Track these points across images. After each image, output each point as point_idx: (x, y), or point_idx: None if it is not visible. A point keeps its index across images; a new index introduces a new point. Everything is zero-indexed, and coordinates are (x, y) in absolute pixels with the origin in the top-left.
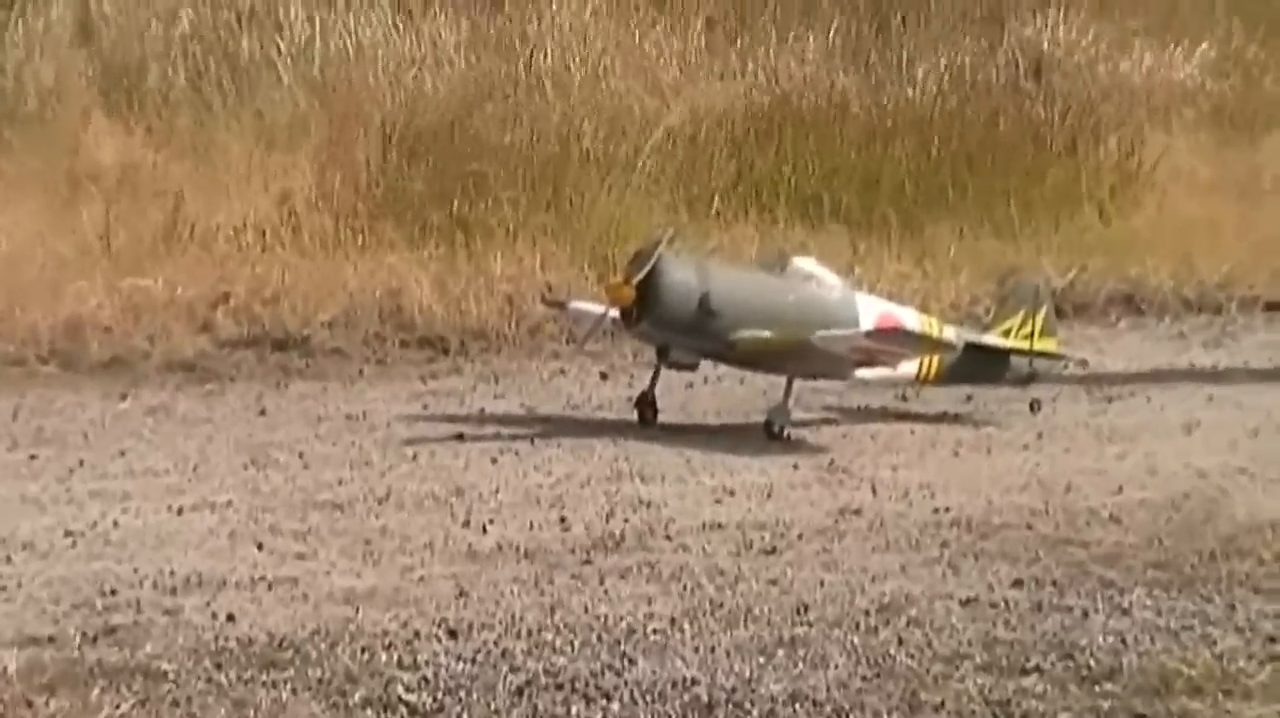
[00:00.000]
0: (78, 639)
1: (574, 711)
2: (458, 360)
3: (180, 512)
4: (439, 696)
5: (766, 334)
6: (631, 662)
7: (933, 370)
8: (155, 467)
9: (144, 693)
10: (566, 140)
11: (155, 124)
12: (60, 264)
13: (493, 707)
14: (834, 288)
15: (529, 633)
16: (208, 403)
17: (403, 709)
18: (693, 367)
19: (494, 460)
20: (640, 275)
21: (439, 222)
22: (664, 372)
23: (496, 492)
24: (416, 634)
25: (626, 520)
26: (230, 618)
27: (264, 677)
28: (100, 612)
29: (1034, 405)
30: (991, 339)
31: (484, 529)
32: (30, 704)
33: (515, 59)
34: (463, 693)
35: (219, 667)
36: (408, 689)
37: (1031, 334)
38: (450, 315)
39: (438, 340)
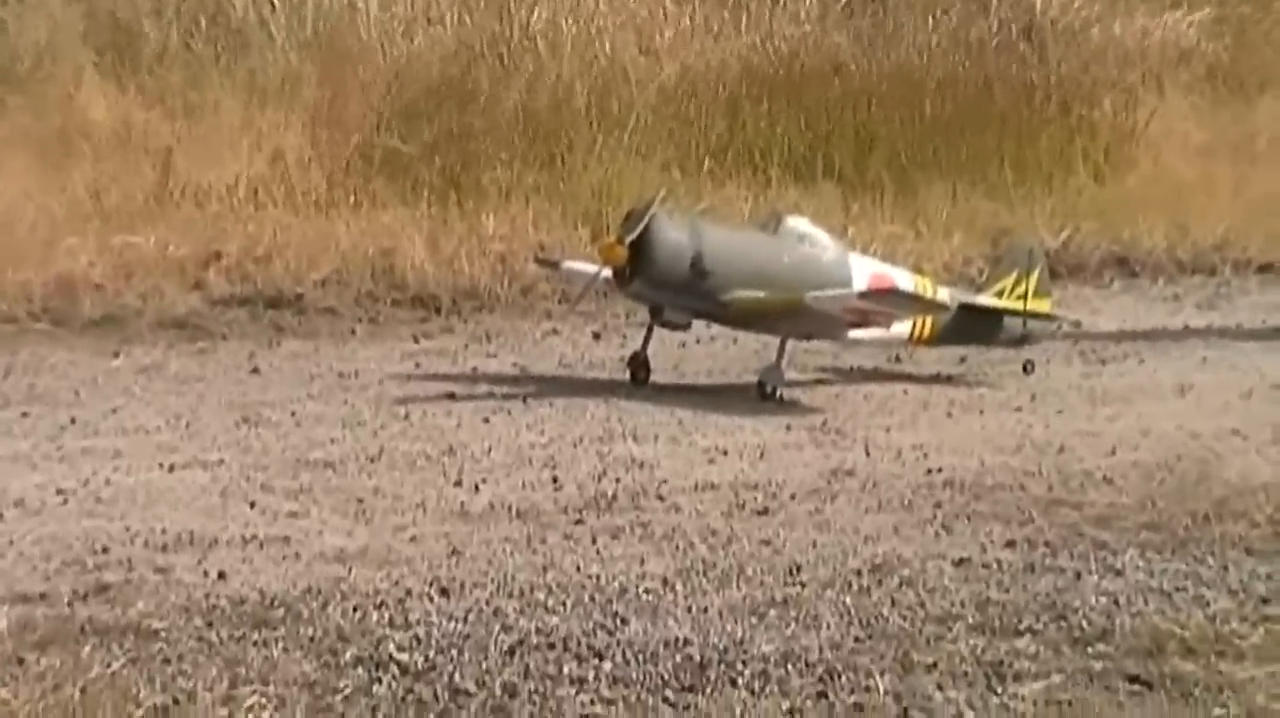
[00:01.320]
0: (69, 597)
1: (566, 670)
2: (450, 320)
3: (172, 470)
4: (430, 654)
5: (760, 294)
6: (624, 621)
7: (926, 331)
8: (147, 425)
9: (135, 651)
10: (559, 99)
11: (147, 82)
12: (52, 222)
13: (484, 666)
14: (828, 248)
15: (521, 592)
16: (199, 361)
17: (394, 668)
18: (685, 326)
19: (486, 420)
20: (633, 235)
21: (432, 180)
22: (657, 332)
23: (489, 451)
24: (408, 593)
25: (619, 480)
26: (222, 576)
27: (255, 635)
28: (91, 570)
29: (1027, 367)
30: (985, 300)
31: (476, 489)
32: (21, 662)
33: (508, 18)
34: (454, 652)
35: (210, 625)
36: (399, 648)
37: (1025, 295)
38: (443, 274)
39: (430, 299)
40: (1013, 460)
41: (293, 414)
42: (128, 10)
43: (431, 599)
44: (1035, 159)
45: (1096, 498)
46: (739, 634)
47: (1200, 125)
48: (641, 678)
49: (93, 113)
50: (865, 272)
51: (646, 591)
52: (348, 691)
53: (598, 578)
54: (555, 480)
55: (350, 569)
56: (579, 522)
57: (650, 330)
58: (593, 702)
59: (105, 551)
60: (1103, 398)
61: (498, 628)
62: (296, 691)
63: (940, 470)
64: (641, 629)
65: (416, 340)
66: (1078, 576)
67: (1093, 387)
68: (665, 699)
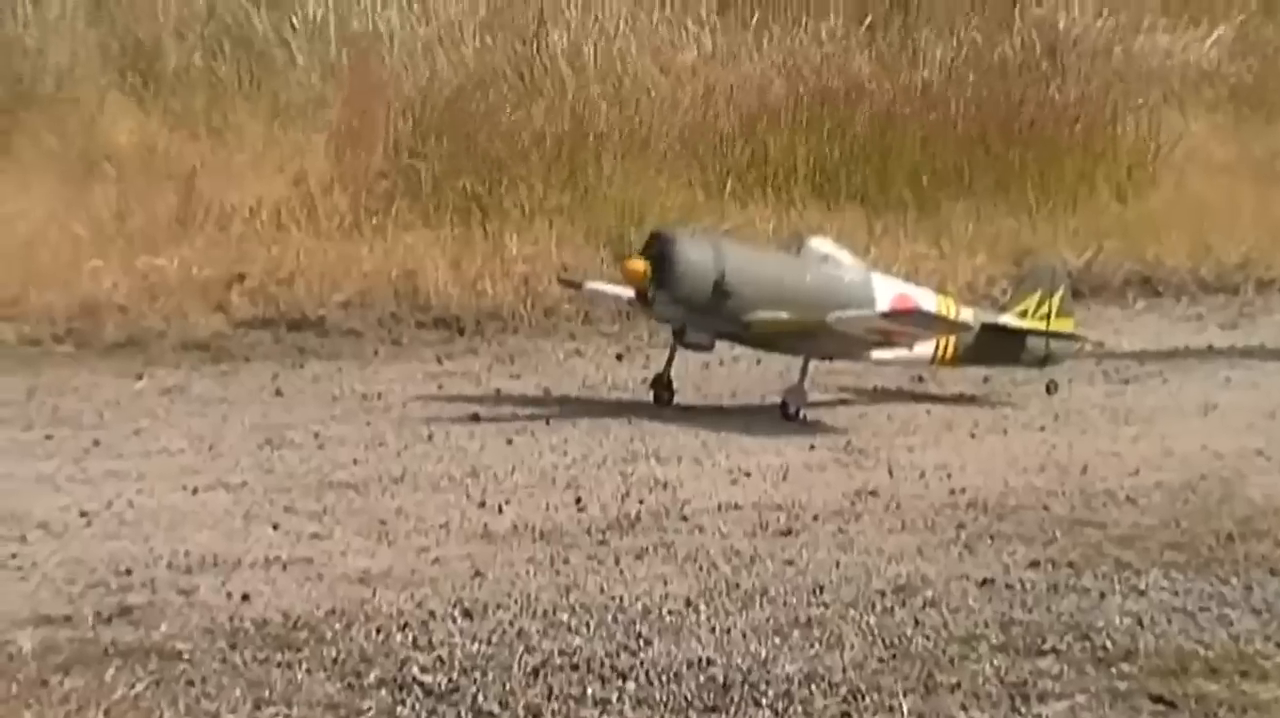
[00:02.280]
0: (93, 619)
1: (590, 691)
2: (473, 341)
3: (195, 492)
4: (454, 676)
5: (783, 315)
6: (647, 642)
7: (949, 352)
8: (170, 447)
9: (159, 673)
10: (582, 121)
11: (171, 104)
12: (75, 244)
13: (508, 687)
14: (850, 268)
15: (544, 613)
16: (223, 383)
17: (417, 690)
18: (709, 347)
19: (509, 441)
20: (656, 256)
21: (455, 202)
22: (680, 352)
23: (512, 472)
24: (432, 615)
25: (642, 501)
26: (245, 598)
27: (279, 657)
28: (115, 592)
29: (1050, 387)
30: (1008, 320)
31: (499, 510)
32: (45, 684)
33: (530, 40)
34: (478, 674)
35: (234, 647)
36: (423, 670)
37: (1048, 315)
38: (466, 296)
39: (453, 321)
40: (1036, 480)
41: (315, 436)
42: (150, 32)
43: (455, 621)
44: (1058, 178)
45: (1120, 518)
46: (762, 655)
47: (1223, 145)
48: (665, 699)
49: (116, 135)
50: (888, 292)
51: (670, 611)
52: (371, 713)
53: (621, 599)
54: (579, 501)
55: (374, 591)
56: (602, 543)
57: (673, 351)
58: None
59: (129, 573)
60: (1126, 418)
61: (521, 649)
62: (320, 712)
63: (964, 491)
64: (665, 650)
65: (440, 362)
66: (1101, 596)
67: (1116, 406)
68: None
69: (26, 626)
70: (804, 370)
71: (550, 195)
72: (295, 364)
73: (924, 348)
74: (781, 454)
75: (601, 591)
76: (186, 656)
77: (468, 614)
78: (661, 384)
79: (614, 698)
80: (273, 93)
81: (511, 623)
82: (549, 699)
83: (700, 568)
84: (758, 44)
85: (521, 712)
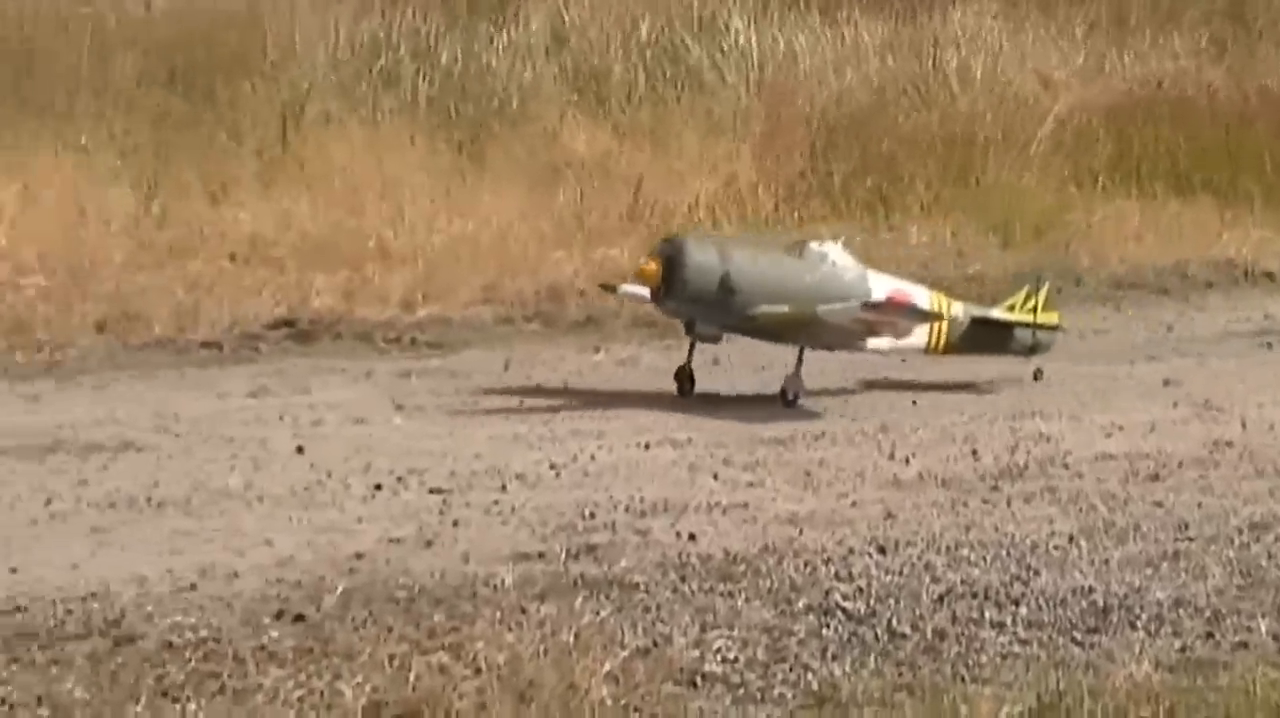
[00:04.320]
0: (563, 556)
1: (987, 615)
2: None
3: (647, 447)
4: (871, 603)
5: (784, 309)
6: (1036, 573)
7: (941, 342)
8: (625, 410)
9: (619, 602)
10: (970, 127)
11: (620, 119)
12: (541, 239)
13: (917, 612)
14: (849, 268)
15: (947, 549)
16: (667, 356)
17: (840, 615)
18: (716, 339)
19: (914, 403)
20: (666, 259)
21: (862, 198)
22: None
23: (916, 429)
24: (851, 551)
25: (1029, 452)
26: (692, 537)
27: (721, 587)
28: (581, 532)
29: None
30: (996, 313)
31: (906, 461)
32: (524, 611)
33: (925, 58)
34: (891, 601)
35: (683, 579)
36: (844, 598)
37: (1035, 309)
38: None
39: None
40: None
41: (743, 399)
42: (602, 58)
43: (871, 556)
44: None
45: None
46: (1136, 583)
47: None
48: (1052, 622)
49: (574, 146)
50: (884, 289)
51: (1055, 546)
52: (801, 634)
53: (1013, 536)
54: (974, 453)
55: (801, 530)
56: (995, 488)
57: (693, 344)
58: (1011, 643)
59: (592, 516)
60: None
61: (928, 579)
62: (757, 634)
63: None
64: (1051, 580)
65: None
66: None
67: None
68: (1074, 640)
69: (507, 561)
70: (799, 360)
71: (944, 192)
72: (728, 337)
73: (918, 339)
74: (1148, 412)
75: (996, 529)
76: (643, 587)
77: (881, 550)
78: (683, 375)
79: (1008, 622)
80: (706, 108)
81: (919, 557)
82: (952, 623)
83: (1080, 509)
84: (1120, 58)
85: (929, 633)
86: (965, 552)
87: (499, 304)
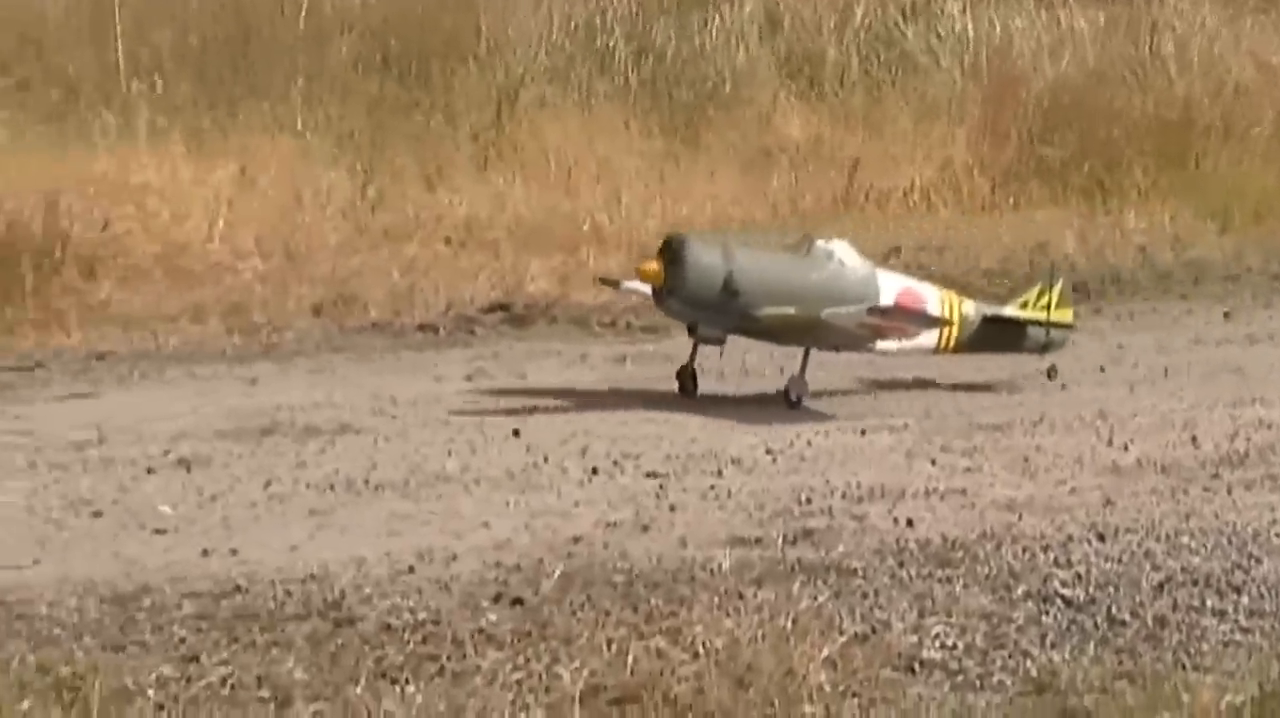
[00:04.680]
0: (779, 541)
1: (1208, 603)
2: (1098, 302)
3: (864, 433)
4: (1090, 590)
5: (790, 310)
6: (1258, 561)
7: (951, 341)
8: (841, 395)
9: (837, 587)
10: (1188, 113)
11: (833, 103)
12: (753, 222)
13: (1137, 600)
14: (857, 267)
15: (1167, 536)
16: None
17: (1059, 602)
18: (719, 341)
19: (1131, 389)
20: (669, 259)
21: (1080, 183)
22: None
23: (1134, 415)
24: (1070, 538)
25: (1249, 439)
26: (909, 523)
27: (939, 573)
28: (798, 517)
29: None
30: (1009, 311)
31: (1125, 447)
32: (741, 596)
33: (1141, 43)
34: (1111, 588)
35: (901, 564)
36: (1063, 584)
37: (1048, 306)
38: (1091, 263)
39: (1080, 285)
40: None
41: (954, 387)
42: (815, 42)
43: (1090, 542)
44: None
45: None
46: None
47: None
48: (1274, 611)
49: (787, 129)
50: (894, 288)
51: (1277, 534)
52: (1019, 621)
53: (1234, 524)
54: (1194, 440)
55: (1019, 516)
56: (1215, 476)
57: (696, 345)
58: (1232, 631)
59: (809, 501)
60: None
61: (1148, 567)
62: (975, 621)
63: None
64: (1274, 568)
65: None
66: None
67: None
68: None
69: (724, 546)
70: (804, 361)
71: (1162, 177)
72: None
73: (927, 338)
74: None
75: (1216, 516)
76: (860, 572)
77: (1100, 537)
78: (686, 375)
79: (1230, 609)
80: (920, 92)
81: (1139, 544)
82: (1173, 611)
83: None
84: None
85: (1150, 621)
86: (1185, 539)
87: None
